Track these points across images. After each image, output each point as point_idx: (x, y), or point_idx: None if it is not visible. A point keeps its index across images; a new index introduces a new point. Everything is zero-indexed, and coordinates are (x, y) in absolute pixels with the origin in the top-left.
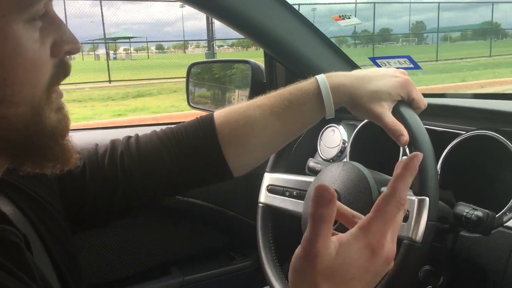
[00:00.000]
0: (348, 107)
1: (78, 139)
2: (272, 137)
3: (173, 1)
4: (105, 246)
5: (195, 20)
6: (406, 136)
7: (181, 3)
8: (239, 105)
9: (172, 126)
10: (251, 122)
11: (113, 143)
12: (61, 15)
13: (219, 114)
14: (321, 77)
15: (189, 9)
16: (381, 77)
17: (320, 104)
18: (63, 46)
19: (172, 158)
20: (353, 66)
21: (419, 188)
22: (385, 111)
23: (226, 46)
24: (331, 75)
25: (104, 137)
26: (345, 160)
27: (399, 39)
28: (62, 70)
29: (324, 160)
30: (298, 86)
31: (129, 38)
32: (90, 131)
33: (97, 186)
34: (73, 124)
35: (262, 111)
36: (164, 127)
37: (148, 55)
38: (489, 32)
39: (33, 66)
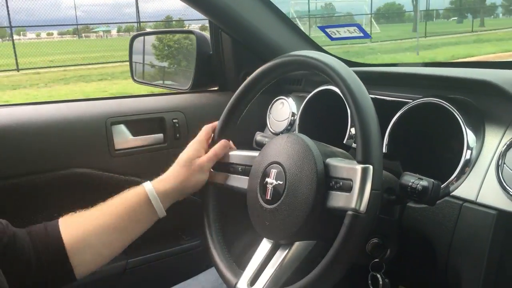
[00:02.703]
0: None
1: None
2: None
3: None
4: None
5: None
6: None
7: None
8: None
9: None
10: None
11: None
12: None
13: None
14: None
15: None
16: None
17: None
18: None
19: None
20: (302, 36)
21: (362, 156)
22: None
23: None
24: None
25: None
26: (294, 132)
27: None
28: None
29: (273, 133)
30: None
31: None
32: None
33: None
34: None
35: (101, 229)
36: None
37: None
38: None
39: None
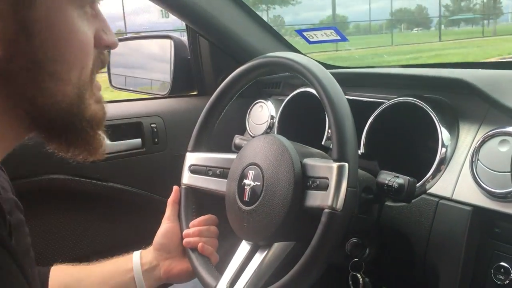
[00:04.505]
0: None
1: None
2: None
3: None
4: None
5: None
6: None
7: None
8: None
9: None
10: None
11: None
12: None
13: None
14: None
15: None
16: None
17: None
18: (104, 38)
19: None
20: (281, 40)
21: (337, 154)
22: None
23: None
24: None
25: None
26: (271, 133)
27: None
28: (100, 61)
29: (253, 137)
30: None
31: None
32: None
33: None
34: None
35: None
36: None
37: None
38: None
39: (82, 48)
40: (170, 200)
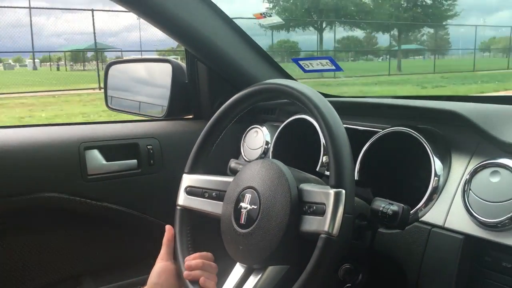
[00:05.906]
0: None
1: None
2: None
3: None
4: (2, 256)
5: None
6: None
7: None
8: None
9: None
10: None
11: None
12: None
13: None
14: None
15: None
16: None
17: None
18: None
19: None
20: (276, 67)
21: (335, 181)
22: None
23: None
24: None
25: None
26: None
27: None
28: None
29: (248, 161)
30: None
31: None
32: None
33: None
34: None
35: None
36: None
37: None
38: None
39: None
40: (164, 239)
